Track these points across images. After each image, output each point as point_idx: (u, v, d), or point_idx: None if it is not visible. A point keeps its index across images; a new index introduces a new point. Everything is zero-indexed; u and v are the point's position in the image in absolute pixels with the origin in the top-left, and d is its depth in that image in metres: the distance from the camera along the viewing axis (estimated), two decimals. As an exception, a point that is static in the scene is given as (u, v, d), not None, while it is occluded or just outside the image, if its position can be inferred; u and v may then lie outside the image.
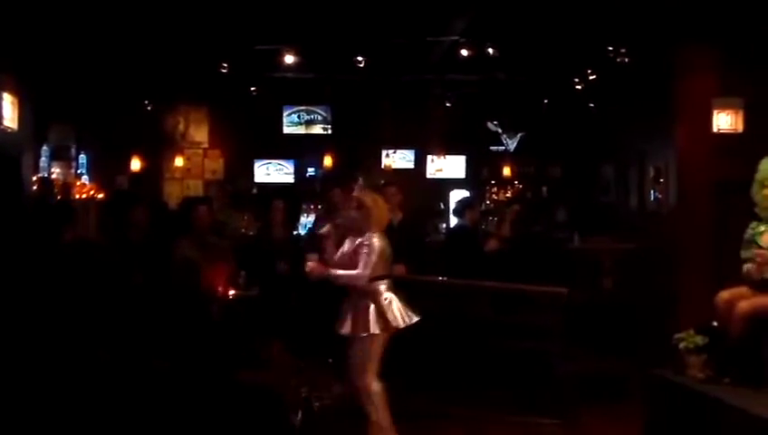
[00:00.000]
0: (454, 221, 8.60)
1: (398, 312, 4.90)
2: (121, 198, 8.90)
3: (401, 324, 4.90)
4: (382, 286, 4.94)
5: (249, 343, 5.67)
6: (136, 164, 11.25)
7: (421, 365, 6.00)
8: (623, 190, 9.47)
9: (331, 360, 5.97)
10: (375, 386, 4.85)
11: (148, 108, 11.07)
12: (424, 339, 5.54)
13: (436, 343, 5.10)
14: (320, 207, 9.29)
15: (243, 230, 8.21)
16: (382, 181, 10.91)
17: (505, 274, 6.59)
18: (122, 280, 5.47)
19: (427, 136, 11.70)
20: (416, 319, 4.96)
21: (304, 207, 10.32)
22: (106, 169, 10.88)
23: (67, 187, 9.03)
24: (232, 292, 5.78)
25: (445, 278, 6.75)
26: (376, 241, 4.89)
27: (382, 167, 11.70)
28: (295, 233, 8.88)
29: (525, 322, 6.18)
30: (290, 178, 11.72)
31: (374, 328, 4.82)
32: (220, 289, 5.71)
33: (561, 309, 6.07)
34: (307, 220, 9.42)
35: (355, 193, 5.43)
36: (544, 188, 11.55)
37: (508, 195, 11.30)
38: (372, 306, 4.85)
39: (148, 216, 6.09)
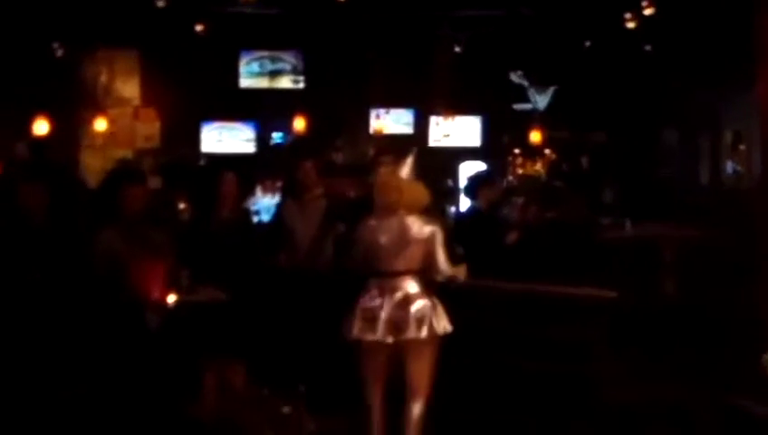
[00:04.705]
0: (465, 203, 8.51)
1: None
2: (18, 171, 8.73)
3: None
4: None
5: (197, 364, 5.65)
6: (41, 127, 11.14)
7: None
8: (691, 162, 9.47)
9: (303, 387, 5.90)
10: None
11: (59, 53, 10.97)
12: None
13: (445, 361, 5.21)
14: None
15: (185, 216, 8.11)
16: (372, 151, 10.91)
17: (531, 273, 6.56)
18: (15, 276, 5.45)
19: (431, 91, 11.70)
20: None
21: (268, 184, 10.23)
22: (1, 134, 10.80)
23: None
24: (172, 297, 5.66)
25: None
26: (427, 228, 5.22)
27: (371, 132, 11.72)
28: (257, 219, 8.74)
29: (559, 335, 6.15)
30: (250, 147, 11.73)
31: (449, 325, 5.20)
32: (156, 294, 5.59)
33: (606, 318, 6.07)
34: (272, 201, 9.39)
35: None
36: (584, 159, 11.54)
37: (537, 167, 11.26)
38: (438, 303, 5.20)
39: (48, 196, 5.92)
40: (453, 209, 10.60)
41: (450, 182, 11.48)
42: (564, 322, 6.16)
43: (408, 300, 5.13)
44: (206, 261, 6.04)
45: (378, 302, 5.16)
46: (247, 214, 7.64)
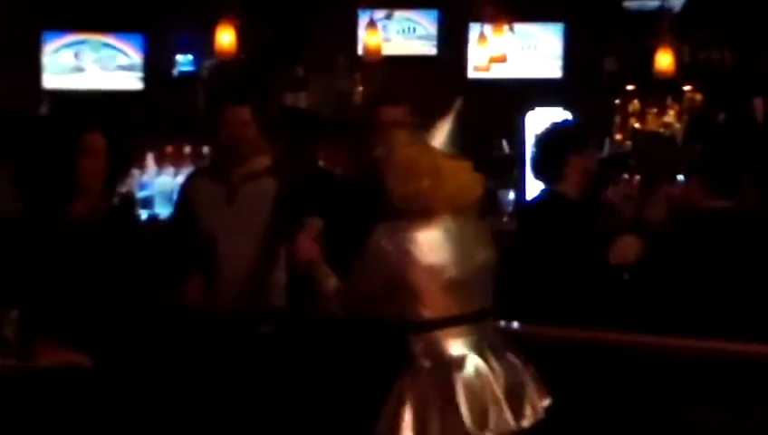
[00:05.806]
0: (535, 186, 8.43)
1: None
2: None
3: None
4: None
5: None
6: None
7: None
8: None
9: None
10: None
11: None
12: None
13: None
14: (205, 150, 9.16)
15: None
16: (359, 90, 10.90)
17: (662, 316, 6.66)
18: None
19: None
20: None
21: (167, 150, 10.51)
22: None
23: None
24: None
25: (514, 324, 6.84)
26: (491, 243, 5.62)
27: (359, 52, 11.70)
28: (147, 214, 8.76)
29: (715, 423, 6.20)
30: (133, 81, 11.95)
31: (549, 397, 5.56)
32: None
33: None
34: (174, 182, 9.76)
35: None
36: (757, 103, 11.50)
37: (668, 119, 11.24)
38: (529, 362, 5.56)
39: None
40: (511, 196, 10.73)
41: (506, 147, 11.50)
42: (725, 403, 6.22)
43: (505, 364, 5.32)
44: (49, 295, 6.07)
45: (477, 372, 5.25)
46: (129, 205, 7.58)
